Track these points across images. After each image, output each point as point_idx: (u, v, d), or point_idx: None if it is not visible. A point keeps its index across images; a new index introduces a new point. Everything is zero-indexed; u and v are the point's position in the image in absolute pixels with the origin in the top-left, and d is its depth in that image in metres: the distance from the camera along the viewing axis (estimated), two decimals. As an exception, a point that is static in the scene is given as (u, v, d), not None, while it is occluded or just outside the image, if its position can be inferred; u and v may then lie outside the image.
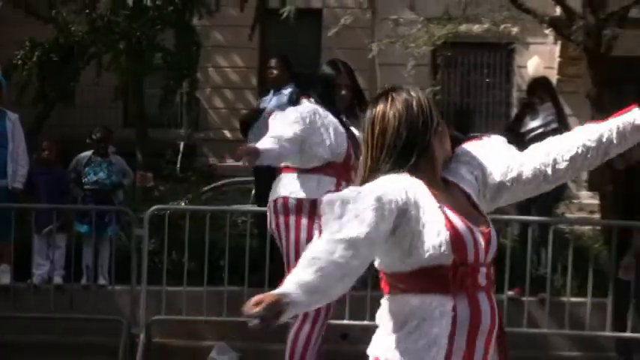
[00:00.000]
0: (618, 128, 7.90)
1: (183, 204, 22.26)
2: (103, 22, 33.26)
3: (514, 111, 28.79)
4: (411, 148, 7.54)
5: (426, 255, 7.44)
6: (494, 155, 8.03)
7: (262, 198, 19.73)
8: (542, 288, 21.79)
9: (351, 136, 15.77)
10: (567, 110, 26.17)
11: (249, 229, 20.10)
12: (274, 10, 35.21)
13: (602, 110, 23.83)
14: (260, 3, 34.83)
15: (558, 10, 33.94)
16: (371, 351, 7.74)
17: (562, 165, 7.92)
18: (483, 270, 7.66)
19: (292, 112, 15.82)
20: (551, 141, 8.03)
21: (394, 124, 7.52)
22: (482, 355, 7.52)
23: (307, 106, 15.91)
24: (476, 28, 37.98)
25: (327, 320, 15.62)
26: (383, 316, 7.72)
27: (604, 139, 7.96)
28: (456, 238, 7.52)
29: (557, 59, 41.42)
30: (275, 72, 21.85)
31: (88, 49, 34.07)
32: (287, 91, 21.29)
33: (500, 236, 19.36)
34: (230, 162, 34.44)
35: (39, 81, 33.62)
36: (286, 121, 15.70)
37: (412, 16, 41.04)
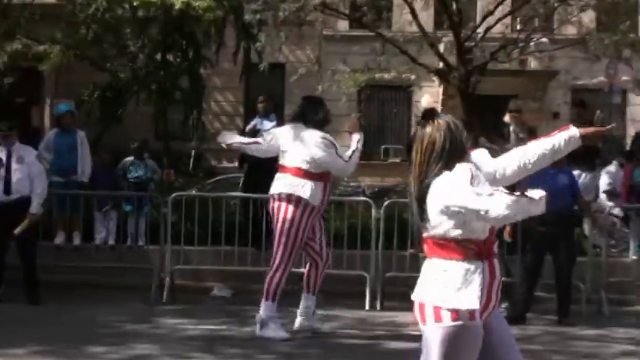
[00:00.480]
0: (553, 146, 8.06)
1: (194, 192, 22.54)
2: (141, 72, 33.53)
3: (412, 130, 28.75)
4: (453, 156, 7.60)
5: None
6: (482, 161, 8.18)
7: (248, 189, 20.63)
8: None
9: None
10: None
11: (238, 208, 20.46)
12: (255, 64, 35.65)
13: (470, 131, 24.09)
14: (245, 59, 35.20)
15: (441, 64, 34.24)
16: (425, 299, 7.58)
17: (508, 172, 8.05)
18: (496, 241, 7.74)
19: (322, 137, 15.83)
20: (509, 155, 8.15)
21: (441, 140, 7.62)
22: (496, 297, 7.56)
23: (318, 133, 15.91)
24: (387, 75, 38.13)
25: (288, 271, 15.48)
26: (437, 274, 7.55)
27: (539, 156, 8.09)
28: None
29: (441, 96, 41.84)
30: (265, 104, 22.30)
31: (131, 89, 34.37)
32: (272, 115, 21.89)
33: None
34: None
35: (99, 110, 34.02)
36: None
37: (344, 67, 40.99)
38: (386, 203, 20.53)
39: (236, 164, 24.34)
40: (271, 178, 20.55)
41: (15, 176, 18.24)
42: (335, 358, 13.85)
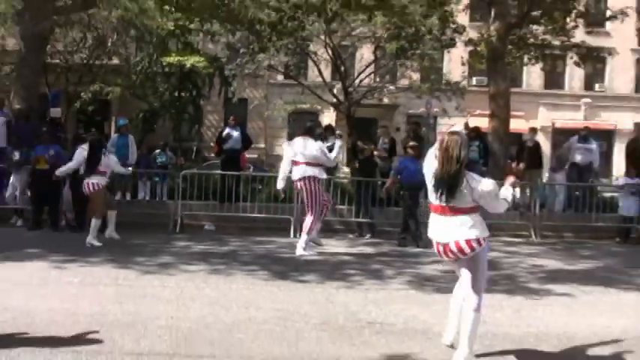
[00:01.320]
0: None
1: (195, 170, 22.30)
2: (166, 102, 33.37)
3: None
4: (462, 158, 7.38)
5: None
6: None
7: (224, 169, 20.37)
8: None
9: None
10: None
11: (219, 180, 19.93)
12: (230, 98, 35.33)
13: (350, 137, 23.78)
14: (225, 96, 35.01)
15: (335, 100, 33.87)
16: (468, 235, 7.36)
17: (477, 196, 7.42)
18: None
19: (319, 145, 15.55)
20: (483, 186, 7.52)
21: (454, 146, 7.34)
22: None
23: (317, 143, 15.59)
24: (304, 106, 37.86)
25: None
26: (472, 221, 7.37)
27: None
28: None
29: (335, 119, 40.85)
30: (234, 121, 21.85)
31: (159, 113, 34.19)
32: (237, 127, 21.55)
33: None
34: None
35: (141, 124, 33.82)
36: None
37: (280, 101, 40.69)
38: (302, 177, 20.11)
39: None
40: (235, 164, 20.50)
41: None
42: (275, 264, 13.69)
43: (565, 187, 21.64)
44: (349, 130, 32.37)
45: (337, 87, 35.71)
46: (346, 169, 27.14)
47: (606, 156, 35.06)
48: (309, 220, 15.36)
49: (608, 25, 41.58)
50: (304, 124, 16.90)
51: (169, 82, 34.01)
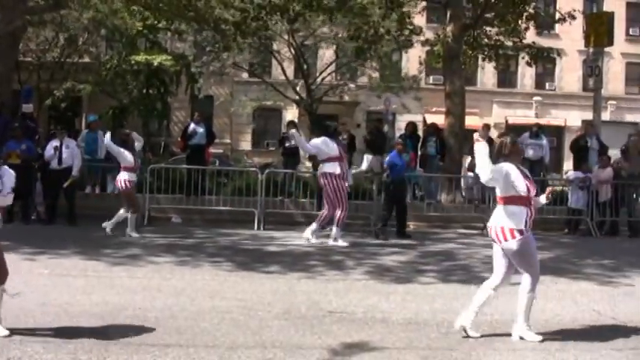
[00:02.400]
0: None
1: (162, 164, 22.15)
2: (135, 99, 33.18)
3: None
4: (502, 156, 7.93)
5: (519, 189, 7.82)
6: None
7: (189, 163, 20.26)
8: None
9: (339, 145, 16.19)
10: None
11: (186, 175, 19.83)
12: (196, 95, 35.33)
13: (313, 132, 23.76)
14: (191, 92, 34.77)
15: (297, 97, 33.91)
16: (500, 223, 7.95)
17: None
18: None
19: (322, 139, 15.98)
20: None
21: (505, 144, 7.90)
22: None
23: (323, 137, 16.00)
24: (268, 102, 37.93)
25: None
26: (503, 212, 7.95)
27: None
28: (527, 188, 7.83)
29: (297, 115, 40.51)
30: (199, 118, 21.80)
31: (129, 109, 34.05)
32: (202, 124, 21.51)
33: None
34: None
35: (111, 120, 33.59)
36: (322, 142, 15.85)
37: (245, 98, 40.65)
38: (266, 171, 20.11)
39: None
40: (201, 158, 20.44)
41: (64, 155, 18.02)
42: (239, 255, 13.64)
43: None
44: (312, 125, 32.38)
45: (300, 85, 35.73)
46: (308, 164, 27.07)
47: (556, 151, 35.27)
48: (341, 212, 15.66)
49: (558, 27, 41.98)
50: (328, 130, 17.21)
51: (138, 80, 33.80)
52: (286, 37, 33.53)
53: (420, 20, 30.70)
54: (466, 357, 7.39)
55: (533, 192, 8.01)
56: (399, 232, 17.86)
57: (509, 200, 7.94)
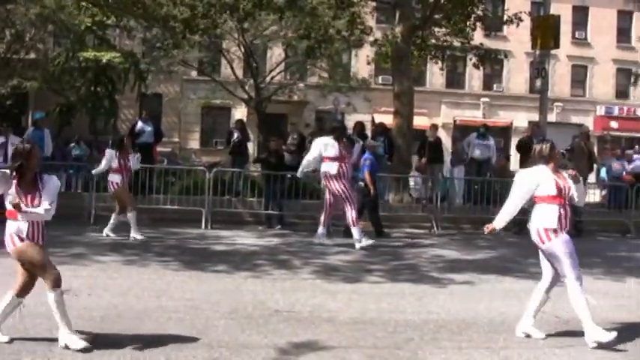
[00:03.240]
0: None
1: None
2: (83, 96, 33.02)
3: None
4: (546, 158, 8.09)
5: (547, 191, 7.96)
6: None
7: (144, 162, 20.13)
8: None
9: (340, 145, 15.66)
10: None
11: (140, 173, 19.39)
12: (144, 93, 35.17)
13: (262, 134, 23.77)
14: (139, 90, 34.43)
15: (246, 96, 33.91)
16: (535, 225, 8.15)
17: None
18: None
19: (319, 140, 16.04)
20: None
21: (543, 149, 8.05)
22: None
23: (322, 138, 16.09)
24: (217, 101, 37.80)
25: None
26: (537, 211, 8.17)
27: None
28: (558, 188, 7.97)
29: (246, 114, 40.07)
30: (146, 115, 21.71)
31: (76, 106, 33.85)
32: (149, 122, 21.42)
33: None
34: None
35: (58, 118, 33.23)
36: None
37: (194, 96, 40.55)
38: (214, 170, 20.03)
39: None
40: (148, 157, 20.33)
41: (10, 152, 17.64)
42: (186, 255, 13.59)
43: (464, 181, 21.93)
44: (260, 124, 32.37)
45: (249, 84, 35.66)
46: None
47: (503, 152, 35.52)
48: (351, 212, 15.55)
49: (505, 29, 42.39)
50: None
51: (86, 77, 33.37)
52: (236, 35, 33.45)
53: (369, 21, 30.79)
54: (412, 356, 7.43)
55: (568, 193, 8.16)
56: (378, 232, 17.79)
57: (540, 199, 8.15)
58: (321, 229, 15.76)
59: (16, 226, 7.15)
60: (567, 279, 8.06)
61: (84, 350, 7.00)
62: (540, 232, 8.06)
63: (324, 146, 15.60)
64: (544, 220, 8.05)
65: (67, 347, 7.05)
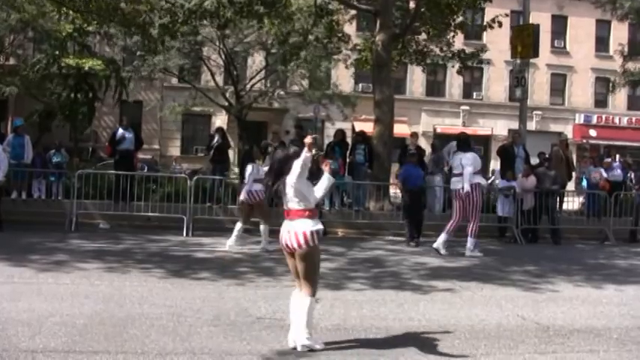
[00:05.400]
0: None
1: (91, 169, 21.67)
2: (63, 103, 33.02)
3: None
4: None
5: None
6: None
7: (117, 169, 20.08)
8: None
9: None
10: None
11: (114, 180, 19.47)
12: (125, 100, 35.02)
13: (241, 140, 23.77)
14: (120, 97, 34.40)
15: (227, 103, 34.00)
16: None
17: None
18: None
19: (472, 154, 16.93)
20: None
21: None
22: None
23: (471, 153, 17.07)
24: (197, 108, 37.84)
25: None
26: None
27: None
28: None
29: (227, 122, 40.41)
30: (126, 122, 21.69)
31: (56, 113, 33.77)
32: (130, 129, 21.41)
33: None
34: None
35: (38, 124, 33.19)
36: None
37: (174, 103, 40.60)
38: (195, 177, 20.06)
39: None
40: (129, 164, 20.31)
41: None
42: (168, 262, 13.57)
43: (444, 189, 21.99)
44: (240, 132, 32.41)
45: (229, 91, 35.71)
46: (237, 170, 26.89)
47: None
48: (471, 224, 16.54)
49: (485, 37, 42.64)
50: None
51: (66, 84, 33.34)
52: (217, 43, 33.51)
53: (349, 28, 30.89)
54: (394, 362, 7.49)
55: None
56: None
57: None
58: (470, 240, 16.58)
59: None
60: None
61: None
62: None
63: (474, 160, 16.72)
64: None
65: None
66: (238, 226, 15.95)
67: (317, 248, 7.62)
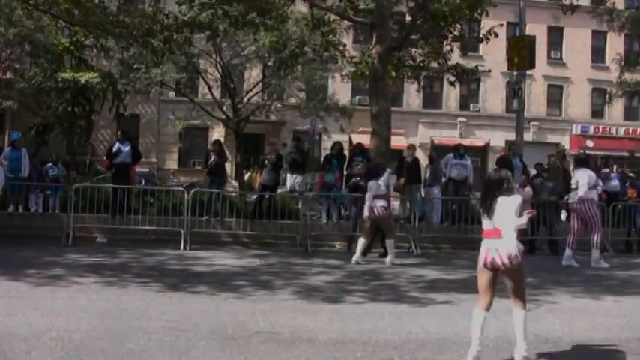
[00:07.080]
0: None
1: (89, 183, 21.67)
2: (60, 117, 33.09)
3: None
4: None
5: None
6: None
7: (115, 182, 20.02)
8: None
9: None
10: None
11: (111, 194, 19.52)
12: (122, 113, 35.08)
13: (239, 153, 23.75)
14: (117, 111, 34.48)
15: (224, 116, 34.13)
16: None
17: None
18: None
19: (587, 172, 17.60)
20: None
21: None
22: None
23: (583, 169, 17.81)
24: (195, 122, 38.21)
25: None
26: None
27: None
28: None
29: (224, 134, 40.51)
30: (122, 136, 21.66)
31: (53, 126, 33.85)
32: (127, 142, 21.36)
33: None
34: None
35: (35, 138, 33.20)
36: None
37: (172, 116, 40.51)
38: (193, 191, 19.96)
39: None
40: (126, 177, 20.27)
41: (-11, 172, 17.73)
42: (166, 276, 13.57)
43: (442, 201, 21.99)
44: (238, 145, 32.42)
45: (227, 104, 35.74)
46: (235, 183, 26.95)
47: (480, 172, 35.67)
48: (595, 235, 17.19)
49: (482, 49, 42.69)
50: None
51: (63, 97, 33.40)
52: (214, 56, 33.56)
53: (346, 40, 30.90)
54: (392, 375, 7.44)
55: None
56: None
57: None
58: (594, 252, 17.24)
59: None
60: None
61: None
62: None
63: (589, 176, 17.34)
64: None
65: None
66: (361, 241, 16.51)
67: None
